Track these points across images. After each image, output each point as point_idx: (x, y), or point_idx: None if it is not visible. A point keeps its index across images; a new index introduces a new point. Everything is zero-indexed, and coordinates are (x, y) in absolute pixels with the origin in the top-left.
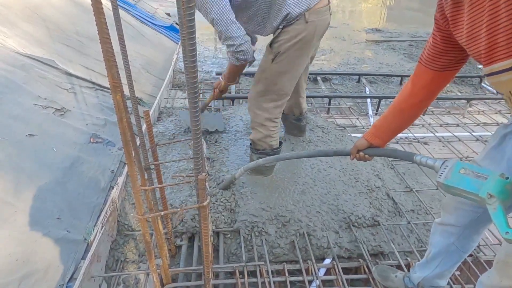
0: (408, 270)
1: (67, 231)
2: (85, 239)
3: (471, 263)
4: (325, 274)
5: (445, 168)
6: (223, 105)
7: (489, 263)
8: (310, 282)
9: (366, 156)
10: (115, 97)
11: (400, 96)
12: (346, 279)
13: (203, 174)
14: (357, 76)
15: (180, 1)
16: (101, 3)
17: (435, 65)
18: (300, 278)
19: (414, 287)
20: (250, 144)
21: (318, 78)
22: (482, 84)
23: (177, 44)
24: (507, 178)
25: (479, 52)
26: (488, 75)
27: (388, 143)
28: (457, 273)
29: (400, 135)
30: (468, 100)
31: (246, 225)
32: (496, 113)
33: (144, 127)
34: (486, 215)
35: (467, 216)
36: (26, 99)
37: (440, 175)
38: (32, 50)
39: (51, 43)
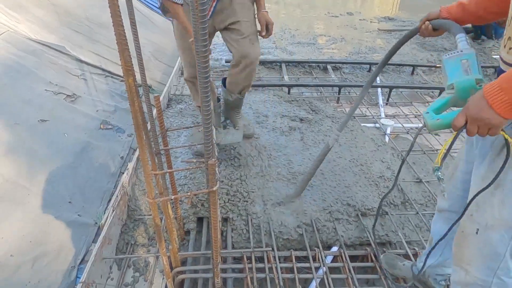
0: (416, 260)
1: (78, 214)
2: (96, 223)
3: None
4: (332, 262)
5: (458, 52)
6: None
7: None
8: (317, 269)
9: (430, 29)
10: (127, 81)
11: None
12: (353, 267)
13: (213, 159)
14: (368, 65)
15: None
16: None
17: None
18: (307, 264)
19: (420, 276)
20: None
21: (328, 66)
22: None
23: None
24: (480, 86)
25: None
26: None
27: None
28: None
29: (413, 125)
30: None
31: (254, 212)
32: None
33: (154, 112)
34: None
35: (459, 200)
36: (38, 84)
37: (447, 54)
38: (43, 35)
39: (61, 28)
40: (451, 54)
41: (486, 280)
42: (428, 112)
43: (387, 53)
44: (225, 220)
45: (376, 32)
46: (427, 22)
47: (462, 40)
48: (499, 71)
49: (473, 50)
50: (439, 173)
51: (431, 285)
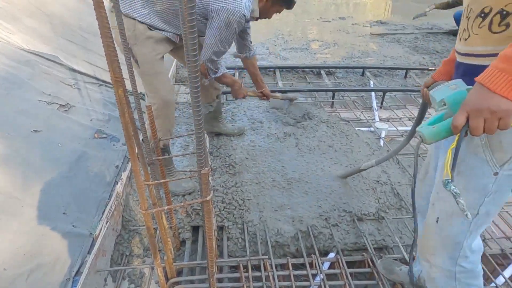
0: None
1: (73, 225)
2: (91, 233)
3: None
4: (329, 268)
5: (448, 84)
6: (226, 99)
7: (495, 256)
8: (314, 275)
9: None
10: (117, 92)
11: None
12: (350, 273)
13: (206, 168)
14: (362, 70)
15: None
16: None
17: None
18: (304, 272)
19: (416, 281)
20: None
21: (322, 71)
22: None
23: None
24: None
25: None
26: None
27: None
28: None
29: (407, 128)
30: None
31: (250, 220)
32: None
33: (147, 122)
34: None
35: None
36: (31, 95)
37: (437, 88)
38: (36, 46)
39: (55, 38)
40: (439, 88)
41: (450, 270)
42: (422, 126)
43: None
44: (220, 228)
45: (368, 36)
46: (425, 89)
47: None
48: (456, 65)
49: (459, 81)
50: (453, 187)
51: None
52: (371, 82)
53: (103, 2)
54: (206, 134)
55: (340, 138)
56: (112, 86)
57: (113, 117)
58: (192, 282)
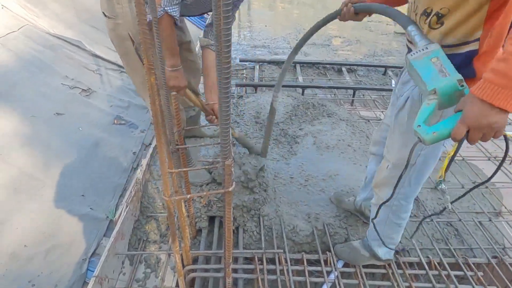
0: (430, 269)
1: (91, 208)
2: (107, 217)
3: (495, 265)
4: (343, 266)
5: (422, 49)
6: (246, 92)
7: None
8: (328, 273)
9: (352, 12)
10: (149, 79)
11: None
12: (365, 272)
13: (230, 160)
14: (383, 68)
15: None
16: None
17: None
18: (318, 268)
19: (359, 207)
20: None
21: (343, 68)
22: None
23: (201, 29)
24: (462, 86)
25: None
26: None
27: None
28: (480, 274)
29: None
30: None
31: (266, 214)
32: None
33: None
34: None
35: (383, 146)
36: (54, 78)
37: (412, 54)
38: (61, 30)
39: (78, 24)
40: (417, 53)
41: (389, 202)
42: (419, 126)
43: (305, 34)
44: (235, 219)
45: (392, 34)
46: (350, 4)
47: (416, 34)
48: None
49: (437, 44)
50: (443, 186)
51: (367, 214)
52: (393, 82)
53: None
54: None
55: (359, 137)
56: None
57: (132, 104)
58: (207, 270)
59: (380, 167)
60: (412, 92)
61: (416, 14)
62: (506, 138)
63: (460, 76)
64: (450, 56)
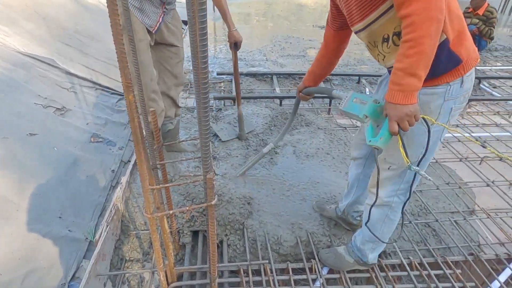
0: (411, 269)
1: (69, 230)
2: (87, 238)
3: (471, 262)
4: (328, 273)
5: (345, 98)
6: (224, 105)
7: (490, 261)
8: (313, 280)
9: (302, 96)
10: (127, 97)
11: (319, 51)
12: (350, 277)
13: (211, 173)
14: (357, 77)
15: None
16: (117, 5)
17: (334, 26)
18: (304, 276)
19: (341, 214)
20: None
21: None
22: (481, 85)
23: None
24: (378, 103)
25: (348, 16)
26: (356, 32)
27: (318, 84)
28: (458, 271)
29: None
30: (468, 101)
31: (250, 225)
32: (495, 114)
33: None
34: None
35: (366, 149)
36: (27, 97)
37: (341, 104)
38: (33, 48)
39: (51, 41)
40: (343, 102)
41: (389, 200)
42: (370, 140)
43: (288, 122)
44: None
45: (363, 44)
46: (300, 94)
47: (338, 93)
48: (388, 76)
49: (351, 91)
50: (414, 166)
51: (350, 221)
52: (367, 90)
53: (117, 10)
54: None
55: (337, 145)
56: (109, 90)
57: (109, 121)
58: (192, 286)
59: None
60: None
61: (376, 47)
62: (425, 121)
63: (373, 97)
64: None
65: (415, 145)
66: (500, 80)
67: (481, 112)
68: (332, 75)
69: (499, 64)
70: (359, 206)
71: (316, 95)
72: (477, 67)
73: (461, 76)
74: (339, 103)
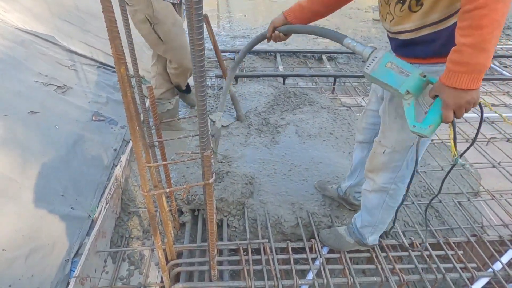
0: (413, 249)
1: (72, 208)
2: (89, 216)
3: (474, 243)
4: (328, 252)
5: (373, 59)
6: None
7: (492, 243)
8: (313, 259)
9: (281, 35)
10: (119, 70)
11: None
12: (350, 257)
13: (209, 151)
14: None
15: None
16: None
17: None
18: (304, 255)
19: (343, 195)
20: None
21: (323, 57)
22: (491, 64)
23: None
24: (425, 76)
25: None
26: None
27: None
28: (460, 252)
29: None
30: None
31: (250, 204)
32: (504, 94)
33: (147, 104)
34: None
35: (371, 134)
36: (27, 75)
37: (368, 66)
38: (32, 25)
39: (51, 19)
40: (370, 64)
41: (386, 186)
42: (414, 126)
43: (240, 55)
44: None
45: (371, 22)
46: (276, 31)
47: (355, 44)
48: (390, 40)
49: (381, 49)
50: (462, 161)
51: (351, 201)
52: None
53: None
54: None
55: (341, 124)
56: (110, 68)
57: (111, 100)
58: (192, 264)
59: (373, 153)
60: None
61: (389, 5)
62: (480, 105)
63: (418, 69)
64: (438, 33)
65: (408, 128)
66: (511, 59)
67: (490, 92)
68: (337, 53)
69: (511, 43)
70: (362, 188)
71: (299, 34)
72: None
73: None
74: (362, 62)
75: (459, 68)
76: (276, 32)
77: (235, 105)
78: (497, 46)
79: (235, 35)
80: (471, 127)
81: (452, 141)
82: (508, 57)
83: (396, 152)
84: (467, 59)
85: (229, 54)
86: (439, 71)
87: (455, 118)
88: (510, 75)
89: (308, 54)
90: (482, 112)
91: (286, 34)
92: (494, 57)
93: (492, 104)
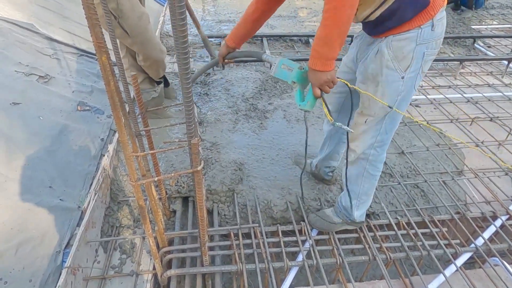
0: (399, 229)
1: (60, 199)
2: (79, 207)
3: (457, 220)
4: (317, 234)
5: (274, 64)
6: (213, 69)
7: (475, 219)
8: (303, 242)
9: (227, 61)
10: (100, 59)
11: (247, 10)
12: (338, 238)
13: (196, 138)
14: (350, 38)
15: None
16: None
17: None
18: (293, 238)
19: (314, 169)
20: None
21: (310, 40)
22: (475, 45)
23: (163, 6)
24: (303, 69)
25: None
26: None
27: (241, 45)
28: (445, 229)
29: None
30: (461, 61)
31: (240, 189)
32: (488, 75)
33: (132, 93)
34: (347, 102)
35: (339, 101)
36: (7, 65)
37: (271, 70)
38: (9, 13)
39: (28, 5)
40: (273, 68)
41: (366, 153)
42: (300, 105)
43: (195, 74)
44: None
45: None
46: (224, 59)
47: (267, 57)
48: (364, 28)
49: (279, 57)
50: (338, 123)
51: (322, 176)
52: None
53: None
54: (194, 104)
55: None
56: (93, 56)
57: (96, 89)
58: (183, 251)
59: (354, 125)
60: (379, 45)
61: None
62: (348, 86)
63: (298, 64)
64: (389, 9)
65: (390, 92)
66: (495, 39)
67: (474, 73)
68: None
69: (495, 23)
70: (331, 162)
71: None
72: (473, 26)
73: (431, 18)
74: (271, 70)
75: (314, 54)
76: (225, 60)
77: (207, 49)
78: (481, 26)
79: (220, 19)
80: (455, 108)
81: (325, 109)
82: (492, 37)
83: (377, 118)
84: (318, 48)
85: (215, 39)
86: (407, 37)
87: (323, 93)
88: (493, 55)
89: (295, 38)
90: (351, 92)
91: (232, 59)
92: (479, 37)
93: (476, 84)
